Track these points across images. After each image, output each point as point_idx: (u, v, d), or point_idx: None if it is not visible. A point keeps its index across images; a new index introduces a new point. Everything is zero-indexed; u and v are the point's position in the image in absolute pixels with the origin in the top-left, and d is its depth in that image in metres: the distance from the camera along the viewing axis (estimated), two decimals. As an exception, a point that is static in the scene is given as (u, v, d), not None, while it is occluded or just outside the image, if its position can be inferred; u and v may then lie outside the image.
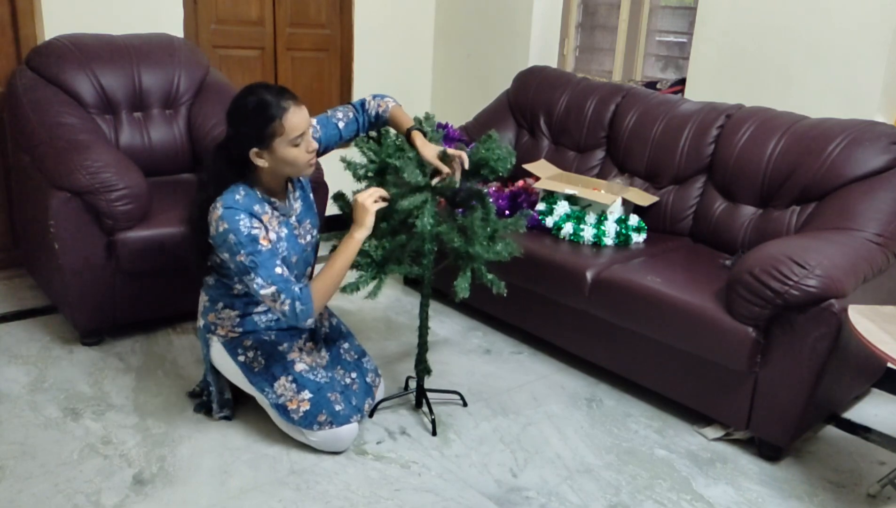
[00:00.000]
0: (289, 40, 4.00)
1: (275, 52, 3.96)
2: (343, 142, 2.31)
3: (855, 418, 2.59)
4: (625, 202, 2.96)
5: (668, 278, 2.47)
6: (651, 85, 3.74)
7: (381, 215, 2.18)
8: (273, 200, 2.10)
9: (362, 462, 2.17)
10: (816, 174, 2.59)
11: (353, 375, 2.33)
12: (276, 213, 2.11)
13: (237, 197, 2.00)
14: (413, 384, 2.48)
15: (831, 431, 2.50)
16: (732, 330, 2.23)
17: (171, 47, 3.25)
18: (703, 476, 2.20)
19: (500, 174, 2.22)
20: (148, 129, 3.14)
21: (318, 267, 2.30)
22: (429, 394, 2.42)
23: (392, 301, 3.35)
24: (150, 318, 2.85)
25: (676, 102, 3.14)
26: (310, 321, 2.03)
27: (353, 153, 2.32)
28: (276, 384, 2.15)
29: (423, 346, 2.37)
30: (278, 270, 1.98)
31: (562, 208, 2.96)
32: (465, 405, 2.50)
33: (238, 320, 2.21)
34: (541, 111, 3.52)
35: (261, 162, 2.01)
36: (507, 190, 3.18)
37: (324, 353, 2.34)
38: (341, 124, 2.27)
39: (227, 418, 2.31)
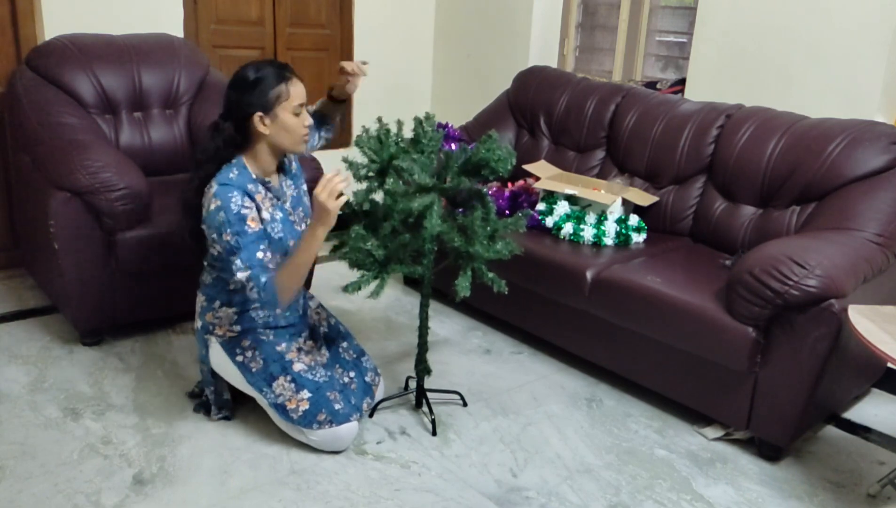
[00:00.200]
0: (289, 40, 4.00)
1: (275, 53, 3.97)
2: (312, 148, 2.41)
3: (855, 418, 2.59)
4: (625, 202, 2.96)
5: (668, 278, 2.47)
6: (651, 85, 3.74)
7: (382, 215, 2.19)
8: (267, 179, 2.15)
9: (362, 461, 2.17)
10: (816, 174, 2.59)
11: (352, 374, 2.33)
12: (269, 194, 2.15)
13: (231, 175, 2.05)
14: (413, 384, 2.48)
15: (831, 431, 2.50)
16: (732, 330, 2.23)
17: (172, 47, 3.25)
18: (703, 476, 2.20)
19: (500, 174, 2.22)
20: (148, 129, 3.14)
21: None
22: (429, 394, 2.42)
23: (392, 301, 3.35)
24: (149, 318, 2.85)
25: (676, 102, 3.14)
26: (279, 311, 2.13)
27: (354, 153, 2.32)
28: (274, 384, 2.15)
29: (423, 346, 2.37)
30: (259, 254, 2.02)
31: (562, 208, 2.96)
32: (465, 405, 2.50)
33: (236, 317, 2.21)
34: (541, 111, 3.52)
35: (263, 128, 2.07)
36: (507, 190, 3.18)
37: (324, 351, 2.34)
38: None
39: (226, 418, 2.31)
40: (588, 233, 2.84)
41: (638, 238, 2.89)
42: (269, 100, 2.05)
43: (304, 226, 2.25)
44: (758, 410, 2.27)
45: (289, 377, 2.15)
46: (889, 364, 2.67)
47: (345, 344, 2.40)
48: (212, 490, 2.00)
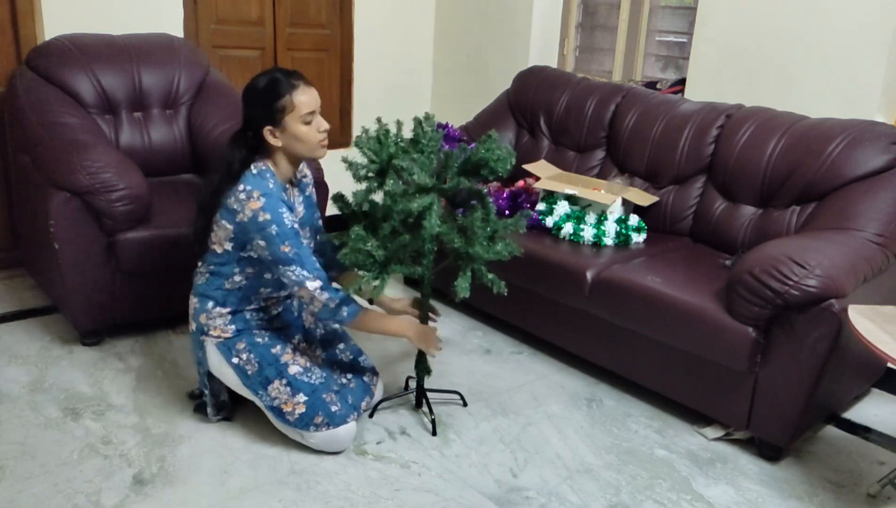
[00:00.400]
0: (289, 40, 4.00)
1: (275, 53, 3.96)
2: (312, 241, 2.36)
3: (855, 418, 2.59)
4: (625, 202, 2.96)
5: (668, 278, 2.47)
6: (651, 85, 3.74)
7: (382, 216, 2.18)
8: (286, 187, 2.16)
9: (362, 462, 2.17)
10: (816, 174, 2.59)
11: (350, 374, 2.32)
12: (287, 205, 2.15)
13: (270, 185, 2.06)
14: (413, 384, 2.48)
15: (831, 431, 2.51)
16: (732, 330, 2.23)
17: (171, 47, 3.25)
18: (703, 476, 2.20)
19: (500, 174, 2.22)
20: (148, 129, 3.14)
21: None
22: (429, 394, 2.42)
23: (392, 301, 3.35)
24: (149, 318, 2.85)
25: (676, 102, 3.14)
26: (336, 326, 2.32)
27: (354, 153, 2.31)
28: (269, 388, 2.15)
29: (423, 346, 2.37)
30: (318, 265, 2.09)
31: (562, 208, 2.96)
32: (465, 405, 2.50)
33: (230, 317, 2.20)
34: (541, 111, 3.52)
35: (274, 141, 2.07)
36: (507, 190, 3.18)
37: (319, 352, 2.34)
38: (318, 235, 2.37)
39: (226, 419, 2.31)
40: (588, 233, 2.84)
41: (638, 238, 2.89)
42: (276, 112, 2.04)
43: (312, 244, 2.30)
44: (758, 410, 2.27)
45: (284, 381, 2.14)
46: (889, 364, 2.67)
47: (342, 345, 2.40)
48: (212, 490, 2.00)
